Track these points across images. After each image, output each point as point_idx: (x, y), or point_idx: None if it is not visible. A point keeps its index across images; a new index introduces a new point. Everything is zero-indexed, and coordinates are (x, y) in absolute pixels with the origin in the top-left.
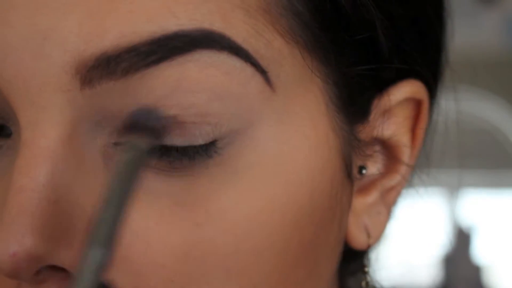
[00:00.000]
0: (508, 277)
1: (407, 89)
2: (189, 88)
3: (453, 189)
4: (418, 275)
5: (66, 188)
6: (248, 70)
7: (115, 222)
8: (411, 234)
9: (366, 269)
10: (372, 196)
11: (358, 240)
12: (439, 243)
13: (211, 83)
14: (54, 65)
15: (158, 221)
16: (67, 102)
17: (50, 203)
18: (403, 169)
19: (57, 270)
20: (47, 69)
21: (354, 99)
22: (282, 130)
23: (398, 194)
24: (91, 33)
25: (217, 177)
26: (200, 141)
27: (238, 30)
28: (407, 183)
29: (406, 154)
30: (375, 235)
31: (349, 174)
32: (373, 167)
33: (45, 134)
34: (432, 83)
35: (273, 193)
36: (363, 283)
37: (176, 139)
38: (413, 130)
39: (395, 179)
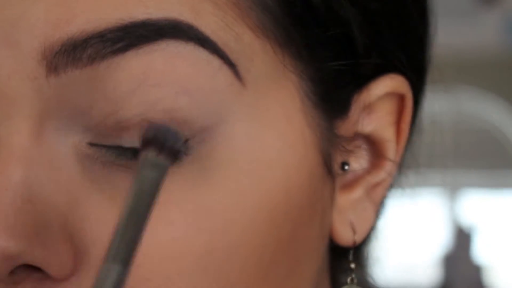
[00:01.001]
0: (508, 277)
1: (387, 84)
2: (155, 82)
3: (453, 189)
4: (418, 275)
5: (39, 186)
6: (215, 62)
7: (134, 239)
8: (411, 234)
9: (352, 266)
10: (357, 192)
11: (343, 236)
12: (439, 243)
13: (178, 75)
14: (21, 52)
15: None
16: (35, 91)
17: (23, 201)
18: (388, 165)
19: (33, 270)
20: (15, 57)
21: (331, 94)
22: (254, 126)
23: (384, 190)
24: (58, 19)
25: (190, 176)
26: None
27: (207, 21)
28: (408, 183)
29: (390, 150)
30: (361, 231)
31: (330, 170)
32: (356, 163)
33: (18, 129)
34: (414, 78)
35: (246, 190)
36: (348, 279)
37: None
38: (397, 125)
39: (380, 175)
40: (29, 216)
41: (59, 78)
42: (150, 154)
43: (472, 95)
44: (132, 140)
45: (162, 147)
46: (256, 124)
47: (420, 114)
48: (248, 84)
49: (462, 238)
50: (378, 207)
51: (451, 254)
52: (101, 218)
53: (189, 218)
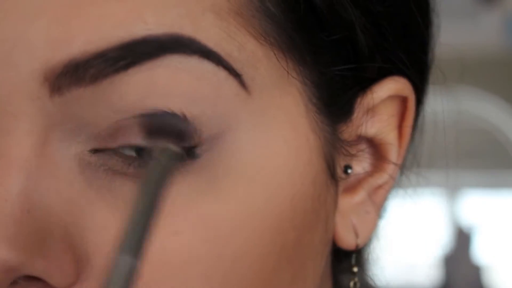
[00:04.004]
0: (508, 277)
1: (391, 86)
2: (162, 93)
3: (453, 189)
4: (418, 275)
5: (40, 196)
6: (221, 73)
7: (145, 230)
8: (411, 234)
9: (354, 269)
10: (359, 196)
11: (346, 240)
12: (439, 243)
13: (183, 87)
14: (22, 73)
15: None
16: (38, 110)
17: (23, 212)
18: (390, 168)
19: (34, 280)
20: (16, 77)
21: (334, 98)
22: (260, 134)
23: (386, 193)
24: (58, 39)
25: (196, 185)
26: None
27: (209, 33)
28: (408, 183)
29: (393, 153)
30: (364, 235)
31: (333, 174)
32: (359, 166)
33: (18, 142)
34: (418, 80)
35: (253, 199)
36: (351, 284)
37: (151, 143)
38: (400, 128)
39: (382, 177)
40: (29, 227)
41: (63, 96)
42: (160, 142)
43: (472, 95)
44: (140, 138)
45: (170, 133)
46: (262, 131)
47: (422, 115)
48: (253, 92)
49: (462, 238)
50: (380, 210)
51: (451, 254)
52: (102, 227)
53: (196, 228)
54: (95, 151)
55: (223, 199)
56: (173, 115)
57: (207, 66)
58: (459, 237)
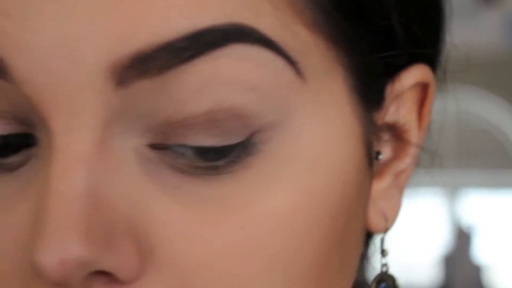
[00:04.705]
0: (508, 277)
1: (417, 73)
2: (224, 81)
3: (453, 189)
4: (418, 275)
5: (104, 191)
6: (280, 62)
7: None
8: (411, 234)
9: (383, 252)
10: (386, 180)
11: (377, 225)
12: (439, 243)
13: (245, 76)
14: (88, 68)
15: (201, 223)
16: (101, 104)
17: (92, 208)
18: (412, 151)
19: (101, 273)
20: (82, 73)
21: (371, 86)
22: (316, 122)
23: (408, 176)
24: (125, 33)
25: (260, 176)
26: (237, 138)
27: (267, 23)
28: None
29: (414, 136)
30: (391, 218)
31: (371, 161)
32: (386, 152)
33: (80, 138)
34: (436, 65)
35: (313, 187)
36: (381, 265)
37: (211, 139)
38: (420, 112)
39: (405, 161)
40: (99, 222)
41: (127, 89)
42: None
43: (472, 95)
44: (195, 138)
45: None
46: (317, 119)
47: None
48: (307, 80)
49: (462, 238)
50: (402, 193)
51: (451, 254)
52: (166, 220)
53: (261, 220)
54: (153, 146)
55: (286, 189)
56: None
57: (267, 55)
58: (459, 237)
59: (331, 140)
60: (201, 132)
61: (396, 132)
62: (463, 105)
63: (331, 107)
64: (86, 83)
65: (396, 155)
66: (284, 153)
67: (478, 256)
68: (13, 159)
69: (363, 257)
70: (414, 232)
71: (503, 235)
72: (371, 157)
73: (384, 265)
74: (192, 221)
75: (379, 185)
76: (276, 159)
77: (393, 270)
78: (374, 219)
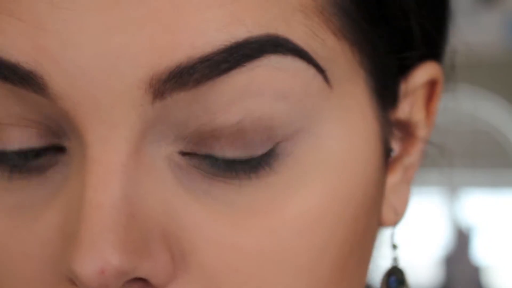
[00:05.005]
0: (508, 277)
1: (428, 72)
2: (257, 92)
3: (453, 189)
4: (418, 275)
5: (139, 200)
6: (310, 71)
7: None
8: (411, 234)
9: (394, 245)
10: (396, 175)
11: (387, 219)
12: (439, 243)
13: (278, 86)
14: (127, 82)
15: (232, 228)
16: (138, 117)
17: (128, 217)
18: (420, 146)
19: (136, 280)
20: (120, 87)
21: (387, 85)
22: (340, 127)
23: (415, 170)
24: (163, 47)
25: (287, 181)
26: (261, 150)
27: (299, 33)
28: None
29: (422, 132)
30: (401, 212)
31: (387, 159)
32: (397, 147)
33: (116, 150)
34: (442, 62)
35: (337, 190)
36: (393, 259)
37: (236, 151)
38: (428, 107)
39: (413, 156)
40: (135, 230)
41: (164, 101)
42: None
43: (472, 95)
44: (223, 150)
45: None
46: (341, 125)
47: None
48: (334, 87)
49: (462, 239)
50: (410, 187)
51: (451, 254)
52: (198, 227)
53: (289, 225)
54: (184, 154)
55: (314, 193)
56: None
57: (300, 65)
58: (459, 237)
59: (355, 144)
60: (228, 143)
61: (407, 128)
62: (463, 105)
63: (354, 111)
64: (124, 96)
65: (406, 151)
66: (310, 158)
67: (477, 257)
68: (40, 161)
69: None
70: (415, 232)
71: (502, 235)
72: (387, 154)
73: (395, 258)
74: (221, 226)
75: (391, 180)
76: (303, 164)
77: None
78: (386, 214)
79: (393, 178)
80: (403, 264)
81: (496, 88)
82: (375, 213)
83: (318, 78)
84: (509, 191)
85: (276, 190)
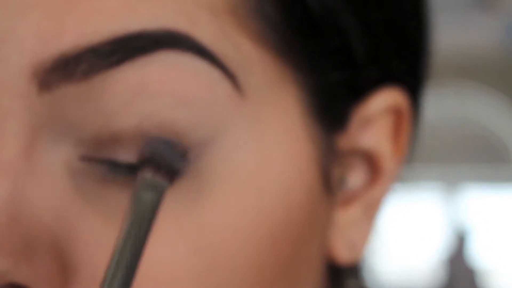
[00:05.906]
0: (505, 278)
1: (386, 98)
2: (153, 92)
3: (451, 185)
4: (416, 277)
5: (27, 202)
6: (215, 73)
7: (132, 264)
8: (408, 235)
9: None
10: (356, 209)
11: (341, 255)
12: (437, 245)
13: (175, 86)
14: (10, 69)
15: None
16: (25, 109)
17: (9, 218)
18: (386, 181)
19: (14, 286)
20: (3, 74)
21: (330, 107)
22: (253, 139)
23: (380, 205)
24: (49, 33)
25: (189, 191)
26: None
27: (204, 31)
28: (408, 182)
29: (388, 165)
30: (359, 248)
31: (328, 186)
32: (354, 179)
33: (4, 145)
34: (416, 87)
35: (245, 206)
36: None
37: (135, 155)
38: (396, 139)
39: (377, 190)
40: (16, 233)
41: (52, 94)
42: (147, 175)
43: (472, 95)
44: (126, 154)
45: (159, 166)
46: (255, 136)
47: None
48: (247, 95)
49: (459, 240)
50: (374, 223)
51: (449, 256)
52: (93, 238)
53: (188, 237)
54: (83, 158)
55: (217, 206)
56: (167, 148)
57: (201, 64)
58: (457, 240)
59: (270, 159)
60: (131, 146)
61: (368, 160)
62: (462, 104)
63: (274, 126)
64: (9, 85)
65: (369, 185)
66: (215, 169)
67: (475, 258)
68: None
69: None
70: (412, 233)
71: (500, 234)
72: (329, 182)
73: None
74: (114, 233)
75: (348, 214)
76: (207, 174)
77: (390, 273)
78: (339, 249)
79: (351, 212)
80: (399, 266)
81: (496, 87)
82: (309, 243)
83: (226, 82)
84: (507, 186)
85: (175, 198)
